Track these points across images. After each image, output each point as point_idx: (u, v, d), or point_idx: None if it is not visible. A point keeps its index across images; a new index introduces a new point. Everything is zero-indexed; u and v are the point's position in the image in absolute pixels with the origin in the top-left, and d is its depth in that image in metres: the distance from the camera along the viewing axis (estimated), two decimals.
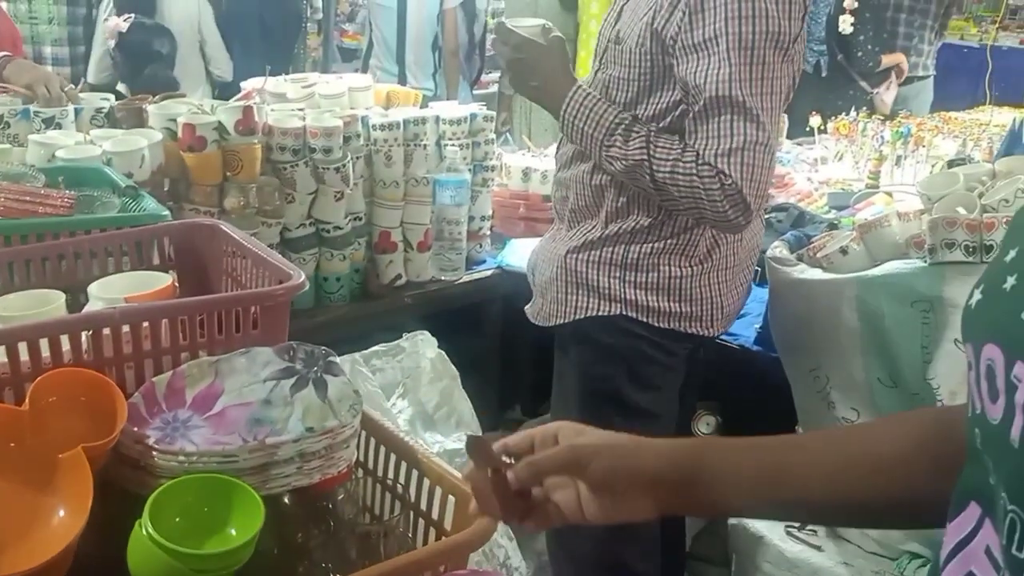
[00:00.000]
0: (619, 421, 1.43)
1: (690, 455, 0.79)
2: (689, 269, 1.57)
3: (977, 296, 0.59)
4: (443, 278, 2.32)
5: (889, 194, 2.63)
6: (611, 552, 1.68)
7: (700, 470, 0.77)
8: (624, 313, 1.59)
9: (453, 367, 2.05)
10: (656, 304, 1.58)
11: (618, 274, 1.58)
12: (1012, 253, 0.57)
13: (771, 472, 0.76)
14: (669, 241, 1.56)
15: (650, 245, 1.56)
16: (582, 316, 1.62)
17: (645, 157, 1.43)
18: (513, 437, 0.83)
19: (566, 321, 1.65)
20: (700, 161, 1.38)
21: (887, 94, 4.28)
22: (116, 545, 0.81)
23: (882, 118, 3.42)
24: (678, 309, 1.59)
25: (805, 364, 1.78)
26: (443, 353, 2.04)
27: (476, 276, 2.40)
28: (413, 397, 1.95)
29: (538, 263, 1.73)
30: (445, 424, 1.98)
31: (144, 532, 0.78)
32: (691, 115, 1.41)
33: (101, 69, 3.55)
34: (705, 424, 2.36)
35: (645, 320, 1.58)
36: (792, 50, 1.41)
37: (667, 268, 1.57)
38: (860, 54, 4.19)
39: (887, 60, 4.28)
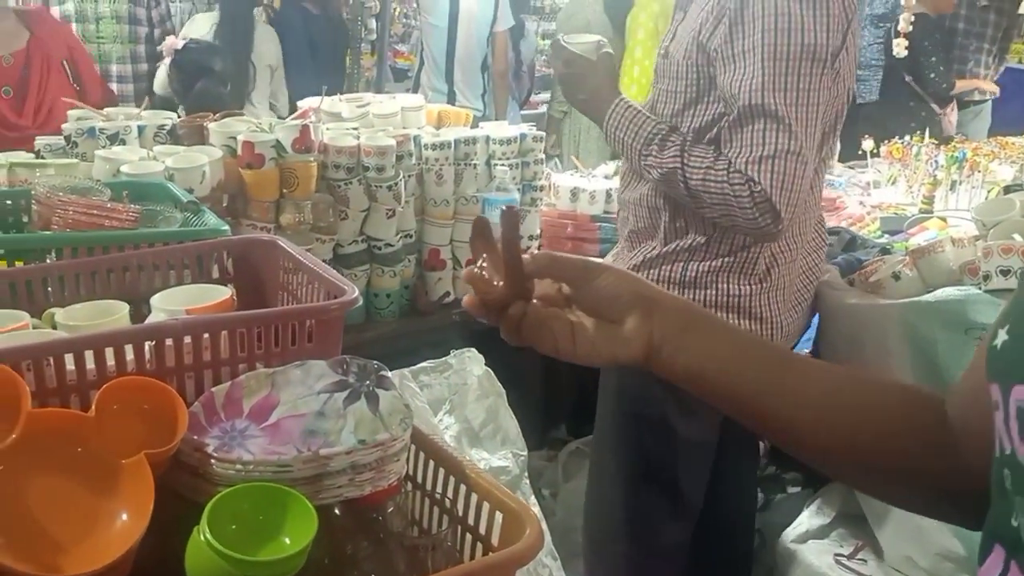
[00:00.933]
0: (653, 444, 1.44)
1: (700, 312, 0.80)
2: (748, 287, 1.58)
3: (1003, 337, 0.58)
4: None
5: (943, 219, 2.59)
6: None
7: (700, 325, 0.77)
8: None
9: (500, 385, 2.06)
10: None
11: (677, 292, 1.60)
12: None
13: (769, 365, 0.76)
14: (727, 259, 1.57)
15: (708, 263, 1.58)
16: None
17: (679, 165, 1.48)
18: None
19: None
20: (732, 169, 1.42)
21: (952, 115, 4.27)
22: (175, 550, 0.84)
23: (936, 142, 3.37)
24: (737, 325, 1.57)
25: None
26: (490, 371, 2.05)
27: None
28: (460, 414, 1.97)
29: None
30: (491, 441, 1.99)
31: (202, 538, 0.80)
32: (727, 124, 1.45)
33: (165, 85, 3.69)
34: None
35: None
36: (834, 64, 1.42)
37: (726, 286, 1.58)
38: (933, 76, 4.18)
39: (961, 84, 4.27)
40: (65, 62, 2.95)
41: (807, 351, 2.02)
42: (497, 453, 1.96)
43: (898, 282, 1.70)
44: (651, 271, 1.63)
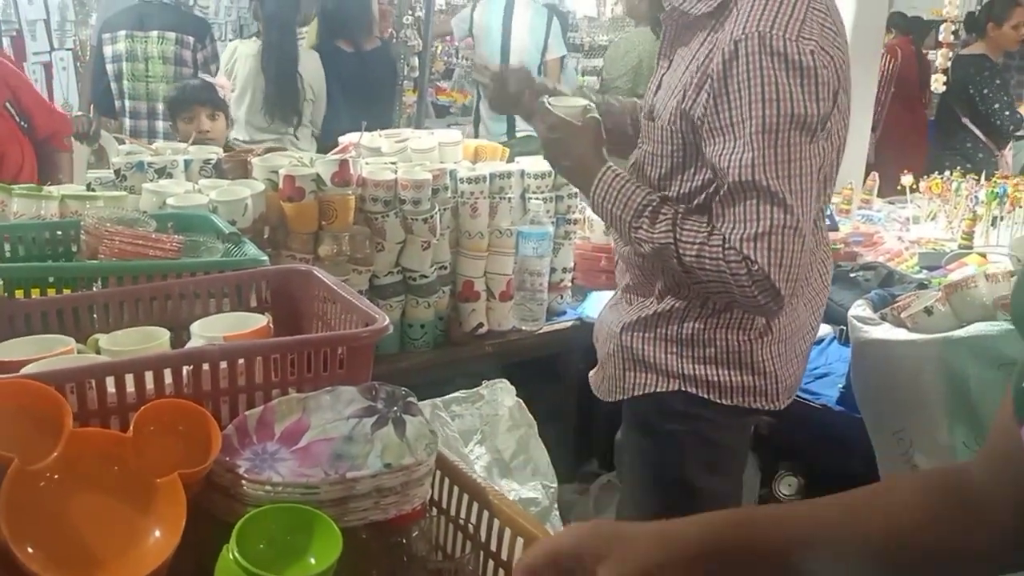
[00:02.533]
0: (686, 506, 1.42)
1: (709, 539, 0.76)
2: (748, 343, 1.52)
3: None
4: (523, 328, 2.37)
5: (983, 255, 2.57)
6: None
7: (728, 550, 0.76)
8: (683, 389, 1.54)
9: (531, 416, 2.08)
10: (716, 377, 1.53)
11: (675, 350, 1.54)
12: None
13: (784, 552, 0.75)
14: (724, 315, 1.51)
15: (704, 320, 1.52)
16: (640, 393, 1.59)
17: (671, 240, 1.41)
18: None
19: (624, 398, 1.63)
20: (727, 245, 1.36)
21: (1009, 155, 4.26)
22: (206, 567, 0.87)
23: (976, 178, 3.35)
24: (739, 380, 1.53)
25: (888, 426, 1.75)
26: (521, 402, 2.07)
27: (556, 327, 2.44)
28: (491, 444, 1.99)
29: (599, 335, 1.72)
30: (521, 472, 2.00)
31: (231, 556, 0.83)
32: (718, 198, 1.39)
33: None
34: (787, 485, 2.32)
35: (706, 396, 1.53)
36: (824, 128, 1.37)
37: (724, 342, 1.51)
38: (1000, 121, 4.19)
39: None
40: (8, 104, 3.00)
41: (841, 386, 2.01)
42: (527, 484, 1.98)
43: (930, 317, 1.69)
44: (647, 329, 1.58)
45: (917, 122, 5.51)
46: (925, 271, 2.64)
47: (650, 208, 1.44)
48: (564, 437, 2.37)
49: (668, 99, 1.48)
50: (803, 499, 2.26)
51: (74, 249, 1.51)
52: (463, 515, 1.07)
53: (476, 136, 4.28)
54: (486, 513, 1.03)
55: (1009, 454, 0.71)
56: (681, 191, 1.48)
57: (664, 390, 1.56)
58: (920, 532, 0.74)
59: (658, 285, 1.56)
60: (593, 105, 1.62)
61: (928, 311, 1.71)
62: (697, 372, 1.53)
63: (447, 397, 2.00)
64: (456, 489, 1.08)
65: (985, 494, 0.74)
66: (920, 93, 5.47)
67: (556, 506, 2.03)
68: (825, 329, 2.31)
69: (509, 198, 2.30)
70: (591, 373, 1.76)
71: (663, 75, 1.54)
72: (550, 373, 2.48)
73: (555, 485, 2.04)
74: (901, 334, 1.70)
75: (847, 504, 0.78)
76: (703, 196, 1.46)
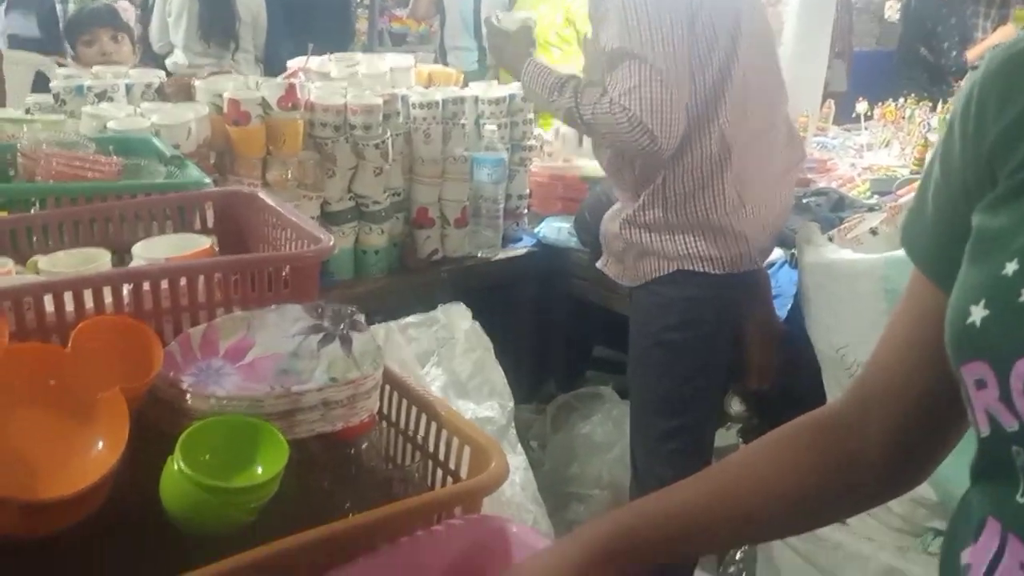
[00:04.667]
0: (670, 362, 1.82)
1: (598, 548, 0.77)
2: (727, 217, 1.78)
3: (981, 313, 0.57)
4: (479, 255, 2.37)
5: None
6: None
7: (622, 551, 0.76)
8: (681, 268, 1.82)
9: (487, 338, 2.09)
10: (707, 251, 1.80)
11: (668, 235, 1.81)
12: (1011, 266, 0.56)
13: (675, 530, 0.77)
14: (700, 198, 1.78)
15: (683, 206, 1.79)
16: (650, 278, 1.86)
17: (573, 104, 1.75)
18: None
19: (637, 285, 1.89)
20: (612, 102, 1.67)
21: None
22: (149, 482, 0.87)
23: (930, 104, 3.37)
24: (725, 250, 1.80)
25: (834, 343, 1.79)
26: (477, 324, 2.08)
27: (512, 254, 2.44)
28: (447, 366, 2.00)
29: (607, 236, 1.96)
30: (478, 393, 2.02)
31: (176, 467, 0.83)
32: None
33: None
34: (737, 403, 2.37)
35: (701, 269, 1.81)
36: (692, 24, 1.68)
37: (707, 221, 1.79)
38: (944, 62, 4.19)
39: (973, 55, 4.26)
40: None
41: (788, 307, 2.05)
42: (484, 404, 2.00)
43: (875, 237, 1.72)
44: (636, 223, 1.84)
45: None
46: (877, 196, 2.67)
47: (560, 84, 1.80)
48: (521, 360, 2.39)
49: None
50: (753, 416, 2.32)
51: (11, 173, 1.47)
52: (412, 428, 1.08)
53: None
54: (434, 424, 1.04)
55: (888, 382, 0.71)
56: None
57: (668, 271, 1.83)
58: (798, 490, 0.75)
59: (631, 182, 1.85)
60: (533, 18, 2.04)
61: (873, 232, 1.73)
62: (690, 250, 1.81)
63: (403, 321, 2.01)
64: (405, 403, 1.09)
65: (854, 433, 0.73)
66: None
67: (513, 425, 2.06)
68: (777, 253, 2.34)
69: (463, 124, 2.28)
70: (606, 264, 1.99)
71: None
72: (507, 300, 2.49)
73: (511, 404, 2.07)
74: (846, 254, 1.73)
75: (718, 484, 0.78)
76: None
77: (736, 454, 0.80)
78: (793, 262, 2.34)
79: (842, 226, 1.88)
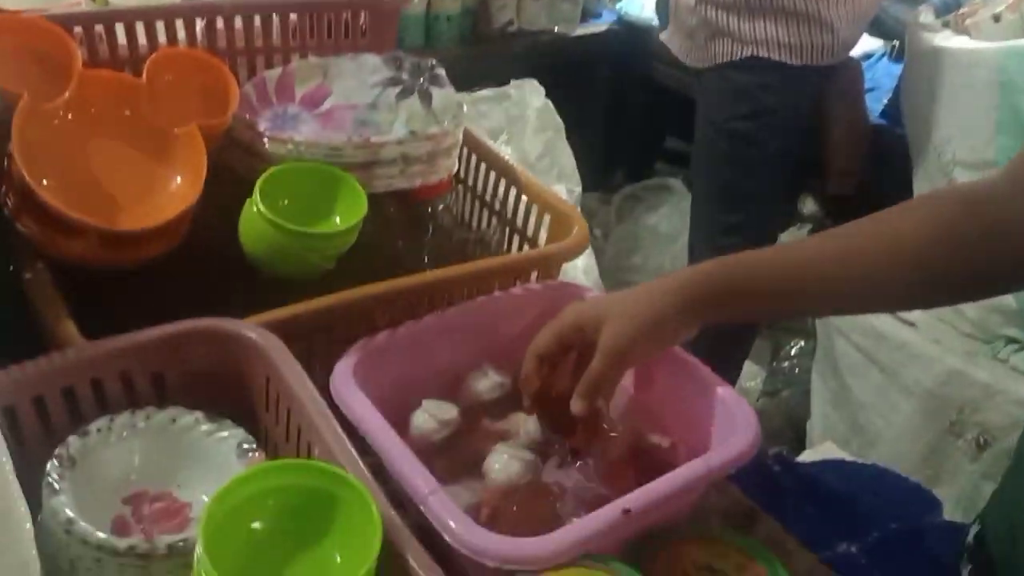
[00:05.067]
0: (736, 153, 1.73)
1: (703, 281, 0.74)
2: (816, 3, 1.62)
3: None
4: (556, 29, 2.24)
5: None
6: None
7: (721, 293, 0.73)
8: (755, 54, 1.67)
9: (559, 119, 2.01)
10: (787, 38, 1.65)
11: (748, 16, 1.65)
12: None
13: (790, 282, 0.73)
14: None
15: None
16: (721, 61, 1.71)
17: None
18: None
19: (706, 67, 1.75)
20: None
21: None
22: (225, 225, 0.85)
23: None
24: (808, 40, 1.66)
25: (933, 139, 1.68)
26: (550, 103, 2.00)
27: (591, 30, 2.30)
28: (517, 144, 1.95)
29: (679, 6, 1.79)
30: (547, 175, 1.97)
31: (255, 209, 0.81)
32: None
33: None
34: (811, 203, 2.30)
35: (777, 58, 1.66)
36: None
37: (793, 5, 1.62)
38: None
39: None
40: None
41: (886, 101, 1.92)
42: (551, 187, 1.95)
43: (997, 24, 1.56)
44: (713, 2, 1.68)
45: None
46: None
47: None
48: (591, 146, 2.31)
49: None
50: (827, 217, 2.25)
51: None
52: (490, 193, 1.04)
53: None
54: (513, 190, 1.00)
55: None
56: None
57: (740, 56, 1.69)
58: (942, 261, 0.70)
59: None
60: None
61: (996, 18, 1.57)
62: (768, 35, 1.66)
63: (474, 94, 1.93)
64: (484, 167, 1.05)
65: (1007, 205, 0.68)
66: None
67: (579, 210, 2.02)
68: (876, 44, 2.17)
69: None
70: (671, 37, 1.85)
71: None
72: (581, 80, 2.38)
73: (579, 189, 2.02)
74: (962, 41, 1.58)
75: (851, 242, 0.74)
76: None
77: (868, 218, 0.74)
78: (893, 54, 2.17)
79: (960, 11, 1.71)
